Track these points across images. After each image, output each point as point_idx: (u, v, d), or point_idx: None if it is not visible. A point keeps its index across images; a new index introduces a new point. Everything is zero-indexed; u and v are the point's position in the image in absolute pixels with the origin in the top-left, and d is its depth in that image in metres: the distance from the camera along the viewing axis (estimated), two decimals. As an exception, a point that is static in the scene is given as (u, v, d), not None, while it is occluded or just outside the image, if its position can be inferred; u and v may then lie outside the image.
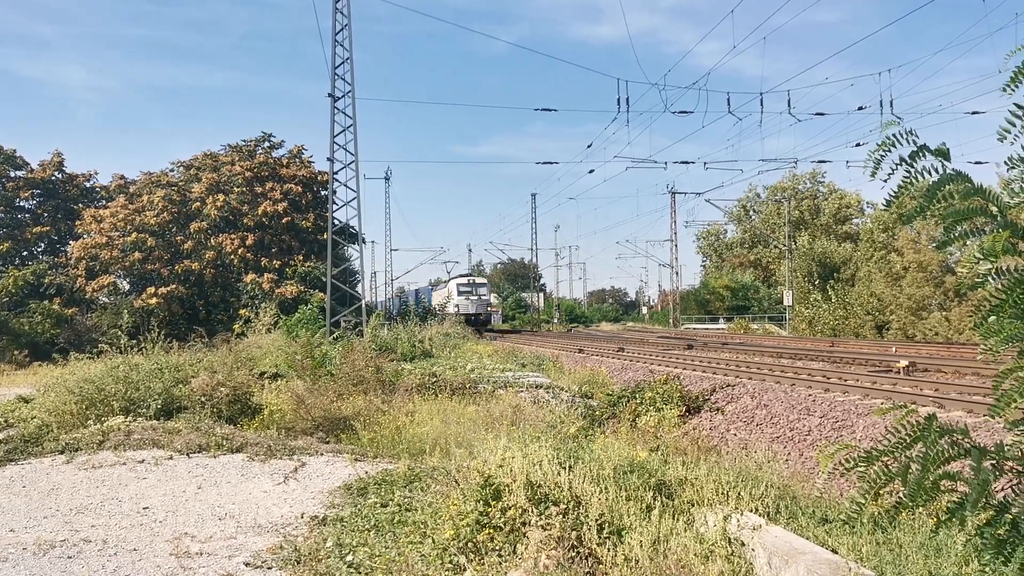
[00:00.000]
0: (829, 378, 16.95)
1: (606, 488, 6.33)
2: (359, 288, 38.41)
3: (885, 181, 2.80)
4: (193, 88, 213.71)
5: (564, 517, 5.76)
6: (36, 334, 37.93)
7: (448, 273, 75.11)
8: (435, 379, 17.19)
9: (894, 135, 2.80)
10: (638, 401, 14.91)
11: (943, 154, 2.72)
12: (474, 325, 54.54)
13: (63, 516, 7.78)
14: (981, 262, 2.64)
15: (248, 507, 8.04)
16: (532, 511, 5.86)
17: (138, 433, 11.26)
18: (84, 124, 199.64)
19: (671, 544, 5.57)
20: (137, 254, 41.75)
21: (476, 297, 60.41)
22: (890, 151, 2.82)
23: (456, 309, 57.75)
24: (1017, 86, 2.68)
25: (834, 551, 5.33)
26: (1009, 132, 2.62)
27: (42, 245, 48.30)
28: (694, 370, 20.17)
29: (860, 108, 35.03)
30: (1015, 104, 2.64)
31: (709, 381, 17.33)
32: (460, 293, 60.00)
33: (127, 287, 44.33)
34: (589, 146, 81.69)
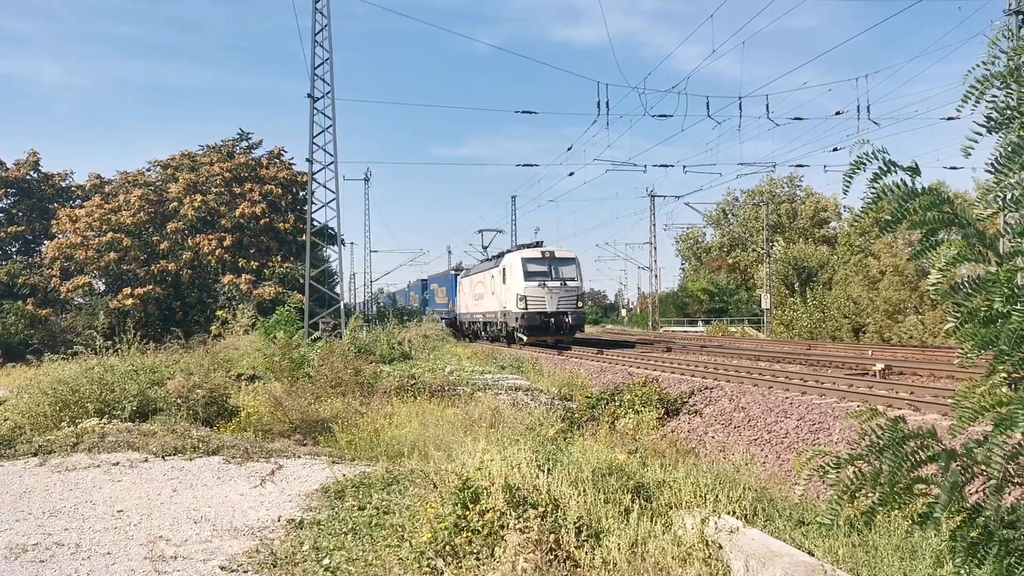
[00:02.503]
0: (806, 381, 17.05)
1: (584, 491, 6.33)
2: (338, 289, 38.26)
3: (863, 200, 2.85)
4: (171, 87, 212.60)
5: (542, 520, 5.76)
6: (9, 335, 37.59)
7: (482, 249, 49.07)
8: (414, 381, 17.14)
9: (865, 154, 2.85)
10: (617, 403, 14.94)
11: (913, 170, 2.77)
12: (553, 334, 33.77)
13: (35, 519, 7.68)
14: (946, 269, 2.69)
15: (224, 510, 7.97)
16: (510, 514, 5.85)
17: (113, 435, 11.14)
18: (60, 122, 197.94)
19: (649, 547, 5.59)
20: (113, 254, 41.37)
21: (558, 283, 33.73)
22: (862, 169, 2.87)
23: (522, 305, 33.21)
24: (977, 104, 2.72)
25: (811, 553, 5.37)
26: (972, 151, 2.66)
27: (16, 245, 47.80)
28: (672, 372, 20.24)
29: (838, 113, 35.45)
30: (974, 122, 2.68)
31: (688, 384, 17.38)
32: (530, 276, 33.67)
33: (102, 288, 43.93)
34: (569, 148, 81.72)
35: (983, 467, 2.66)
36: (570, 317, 33.67)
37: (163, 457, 10.34)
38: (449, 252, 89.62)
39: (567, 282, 33.98)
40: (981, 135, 2.65)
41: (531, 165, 79.27)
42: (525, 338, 33.35)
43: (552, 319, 33.38)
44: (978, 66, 2.76)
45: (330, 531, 6.88)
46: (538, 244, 37.33)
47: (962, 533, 2.74)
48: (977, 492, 2.87)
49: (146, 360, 15.79)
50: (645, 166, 57.87)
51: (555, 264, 34.42)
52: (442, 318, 51.26)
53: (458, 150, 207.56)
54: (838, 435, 11.72)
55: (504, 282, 35.45)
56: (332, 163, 33.30)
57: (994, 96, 2.67)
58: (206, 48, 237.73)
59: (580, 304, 34.49)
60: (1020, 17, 23.93)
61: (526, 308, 33.24)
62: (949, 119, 33.17)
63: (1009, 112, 2.62)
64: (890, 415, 2.92)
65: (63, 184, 49.12)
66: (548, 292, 33.50)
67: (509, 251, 37.76)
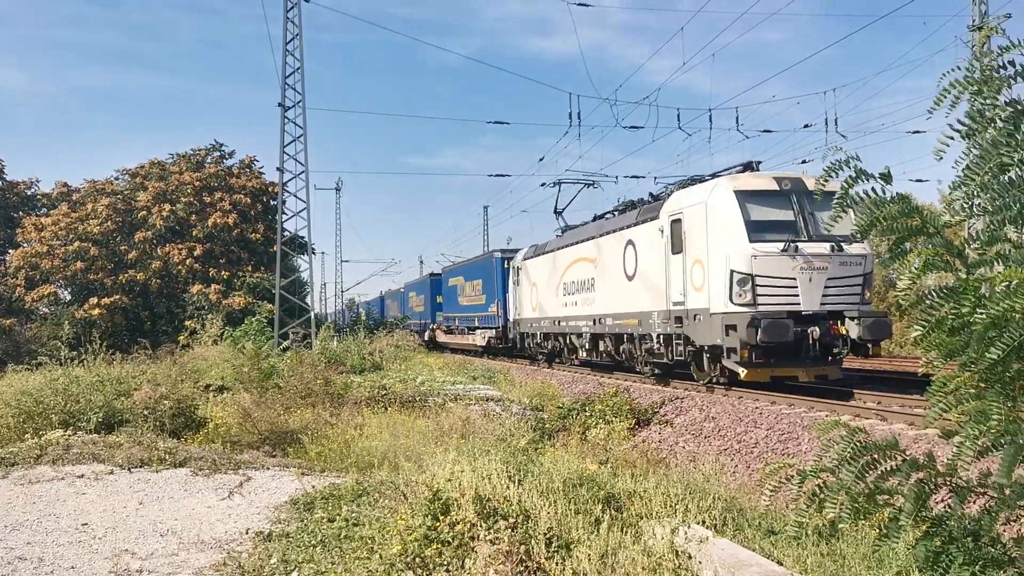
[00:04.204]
0: (776, 391, 17.14)
1: (555, 501, 6.33)
2: (308, 299, 38.05)
3: (833, 207, 2.89)
4: (139, 95, 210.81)
5: (513, 531, 5.74)
6: (-28, 345, 36.92)
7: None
8: (385, 392, 17.06)
9: (837, 161, 2.90)
10: (588, 414, 14.97)
11: (885, 178, 2.81)
12: (814, 362, 15.04)
13: (-3, 533, 7.54)
14: (920, 278, 2.72)
15: (191, 523, 7.87)
16: (481, 525, 5.83)
17: (77, 447, 10.97)
18: (25, 129, 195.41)
19: (619, 557, 5.59)
20: (79, 263, 40.88)
21: (825, 248, 14.60)
22: (834, 176, 2.91)
23: (745, 296, 14.52)
24: (953, 107, 2.76)
25: (780, 563, 5.39)
26: (944, 152, 2.71)
27: (-20, 254, 47.11)
28: (644, 383, 20.30)
29: (806, 126, 35.99)
30: (948, 125, 2.72)
31: (659, 393, 17.44)
32: (759, 231, 14.78)
33: (68, 297, 43.38)
34: (541, 159, 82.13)
35: (947, 476, 2.70)
36: (857, 326, 14.68)
37: (129, 469, 10.19)
38: (421, 262, 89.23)
39: (840, 244, 14.89)
40: (953, 139, 2.69)
41: (503, 175, 78.84)
42: (742, 372, 15.39)
43: (815, 328, 14.72)
44: (947, 74, 2.81)
45: (299, 544, 6.81)
46: (750, 166, 17.47)
47: (926, 542, 2.77)
48: (942, 502, 2.91)
49: (112, 371, 15.58)
50: (617, 177, 57.86)
51: (807, 203, 15.34)
52: (475, 328, 36.11)
53: (430, 160, 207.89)
54: (807, 445, 11.81)
55: (681, 248, 16.78)
56: (303, 172, 33.19)
57: (969, 100, 2.72)
58: (173, 56, 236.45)
59: (868, 294, 15.30)
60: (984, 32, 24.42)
61: (753, 302, 14.87)
62: (915, 132, 33.73)
63: (981, 119, 2.66)
64: (855, 426, 2.95)
65: (28, 192, 48.58)
66: (805, 267, 14.83)
67: (684, 184, 18.33)
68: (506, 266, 31.94)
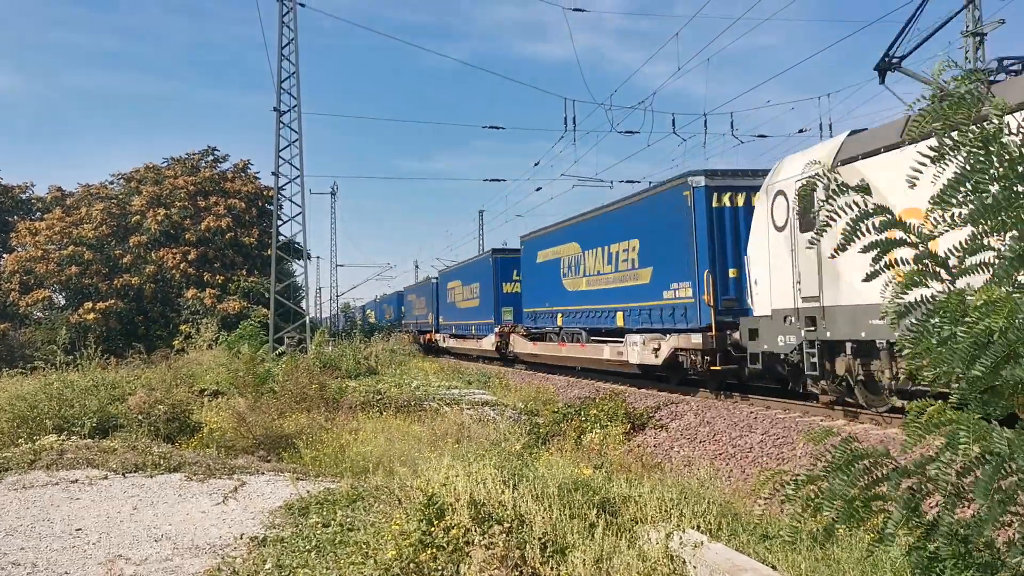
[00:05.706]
0: (770, 395, 17.14)
1: (550, 506, 6.33)
2: (303, 304, 37.96)
3: (819, 221, 2.91)
4: (132, 98, 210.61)
5: (508, 536, 5.74)
6: (-34, 350, 36.81)
7: None
8: (380, 396, 17.06)
9: (816, 174, 2.92)
10: (583, 418, 14.97)
11: (863, 190, 2.83)
12: None
13: (-9, 539, 7.52)
14: (905, 290, 2.74)
15: (185, 528, 7.86)
16: (475, 530, 5.83)
17: (72, 452, 10.95)
18: (18, 133, 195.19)
19: (614, 562, 5.59)
20: (74, 268, 40.74)
21: None
22: (815, 189, 2.93)
23: None
24: (922, 136, 2.78)
25: (774, 568, 5.41)
26: (918, 179, 2.71)
27: (-26, 258, 46.94)
28: (639, 387, 20.30)
29: (801, 131, 36.10)
30: (922, 148, 2.74)
31: (654, 398, 17.45)
32: None
33: (63, 302, 43.24)
34: (537, 164, 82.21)
35: (936, 483, 2.71)
36: None
37: (123, 474, 10.17)
38: (416, 267, 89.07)
39: None
40: (925, 164, 2.70)
41: (498, 180, 78.76)
42: None
43: None
44: (920, 99, 2.83)
45: (293, 549, 6.81)
46: None
47: (920, 547, 2.78)
48: (936, 507, 2.92)
49: (107, 375, 15.55)
50: (612, 182, 57.70)
51: None
52: (625, 330, 20.40)
53: (426, 165, 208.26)
54: (801, 449, 11.82)
55: None
56: (298, 177, 33.14)
57: (936, 128, 2.73)
58: (167, 59, 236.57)
59: None
60: (977, 39, 24.50)
61: None
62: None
63: (952, 144, 2.67)
64: (848, 433, 2.97)
65: (23, 196, 48.43)
66: None
67: None
68: (718, 204, 16.99)
